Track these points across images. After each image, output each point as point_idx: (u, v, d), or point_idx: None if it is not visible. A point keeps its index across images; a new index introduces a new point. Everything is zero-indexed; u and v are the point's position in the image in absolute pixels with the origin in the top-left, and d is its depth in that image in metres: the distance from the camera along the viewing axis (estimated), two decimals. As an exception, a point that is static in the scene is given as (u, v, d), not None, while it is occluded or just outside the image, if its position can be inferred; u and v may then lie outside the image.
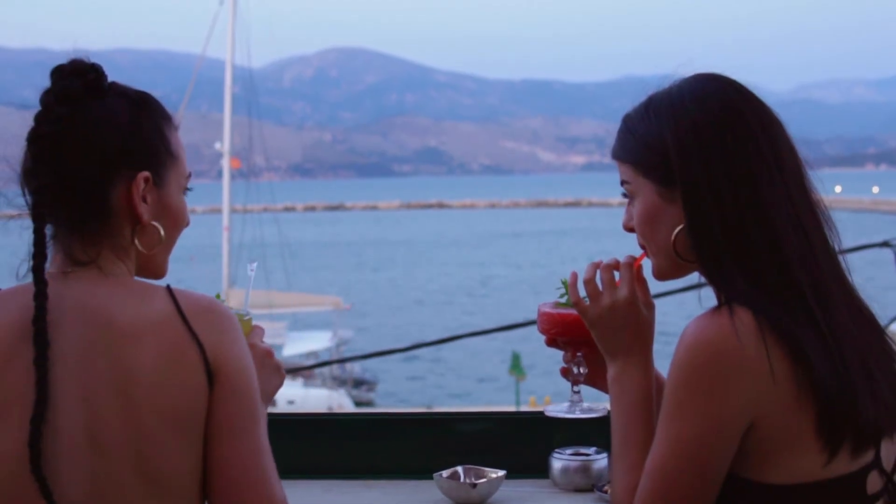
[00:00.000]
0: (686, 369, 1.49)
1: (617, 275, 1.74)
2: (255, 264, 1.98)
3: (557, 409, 2.02)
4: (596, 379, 1.90)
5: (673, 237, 1.61)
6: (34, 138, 1.53)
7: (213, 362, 1.49)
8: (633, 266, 1.74)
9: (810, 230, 1.55)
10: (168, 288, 1.54)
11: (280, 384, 1.81)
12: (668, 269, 1.68)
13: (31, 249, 1.50)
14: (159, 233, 1.61)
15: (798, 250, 1.52)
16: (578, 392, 2.00)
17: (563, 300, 1.95)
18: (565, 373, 1.96)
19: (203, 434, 1.49)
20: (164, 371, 1.46)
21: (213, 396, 1.49)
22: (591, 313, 1.74)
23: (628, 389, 1.70)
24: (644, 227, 1.66)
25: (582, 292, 1.77)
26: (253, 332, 1.84)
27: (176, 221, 1.65)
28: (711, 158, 1.55)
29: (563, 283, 1.94)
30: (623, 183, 1.69)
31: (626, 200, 1.72)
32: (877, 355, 1.55)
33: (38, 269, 1.48)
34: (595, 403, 2.02)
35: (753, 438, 1.49)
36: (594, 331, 1.75)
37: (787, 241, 1.52)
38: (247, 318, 1.86)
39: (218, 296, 1.65)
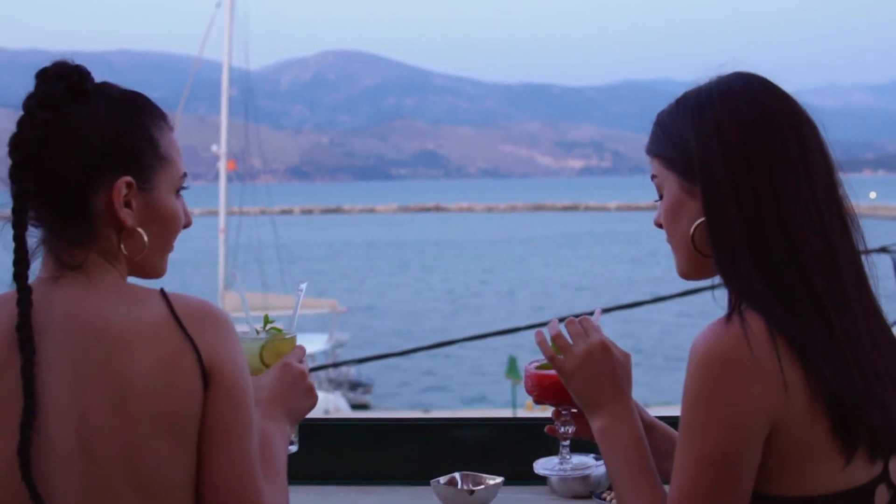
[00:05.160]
0: (701, 381, 1.47)
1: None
2: (304, 284, 1.96)
3: (547, 467, 2.00)
4: (585, 433, 1.88)
5: (692, 231, 1.60)
6: (16, 144, 1.50)
7: (209, 367, 1.47)
8: (588, 319, 1.77)
9: (833, 236, 1.52)
10: (162, 292, 1.52)
11: (312, 406, 1.82)
12: (689, 268, 1.65)
13: (13, 256, 1.48)
14: (143, 239, 1.57)
15: (818, 255, 1.50)
16: (567, 447, 1.98)
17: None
18: (552, 431, 1.95)
19: (196, 440, 1.47)
20: (159, 376, 1.44)
21: (207, 402, 1.47)
22: (567, 365, 1.75)
23: (623, 439, 1.69)
24: (668, 221, 1.66)
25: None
26: (293, 351, 1.85)
27: (168, 223, 1.61)
28: (733, 156, 1.53)
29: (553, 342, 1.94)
30: (653, 178, 1.68)
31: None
32: (892, 365, 1.53)
33: (19, 275, 1.46)
34: (585, 459, 2.01)
35: (773, 448, 1.47)
36: (571, 384, 1.75)
37: (807, 245, 1.50)
38: (289, 336, 1.87)
39: None
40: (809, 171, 1.53)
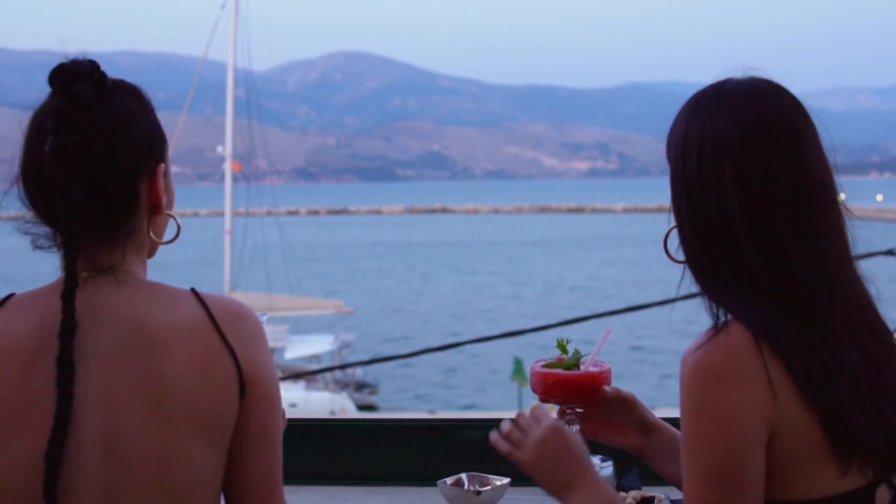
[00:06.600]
0: (694, 395, 1.46)
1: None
2: (266, 316, 1.98)
3: None
4: (591, 434, 1.90)
5: (666, 235, 1.62)
6: (61, 150, 1.43)
7: (246, 370, 1.47)
8: (538, 406, 1.78)
9: (787, 257, 1.49)
10: (194, 291, 1.51)
11: (282, 429, 1.83)
12: None
13: (63, 272, 1.44)
14: (176, 220, 1.59)
15: (766, 277, 1.49)
16: None
17: (566, 357, 1.93)
18: None
19: (229, 442, 1.47)
20: (195, 377, 1.43)
21: (243, 405, 1.47)
22: (526, 457, 1.73)
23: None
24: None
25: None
26: None
27: (173, 201, 1.62)
28: (689, 173, 1.54)
29: (559, 341, 1.93)
30: None
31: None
32: (881, 370, 1.52)
33: (68, 293, 1.42)
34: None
35: (773, 453, 1.47)
36: (537, 475, 1.73)
37: (748, 268, 1.49)
38: None
39: None
40: (769, 193, 1.50)
